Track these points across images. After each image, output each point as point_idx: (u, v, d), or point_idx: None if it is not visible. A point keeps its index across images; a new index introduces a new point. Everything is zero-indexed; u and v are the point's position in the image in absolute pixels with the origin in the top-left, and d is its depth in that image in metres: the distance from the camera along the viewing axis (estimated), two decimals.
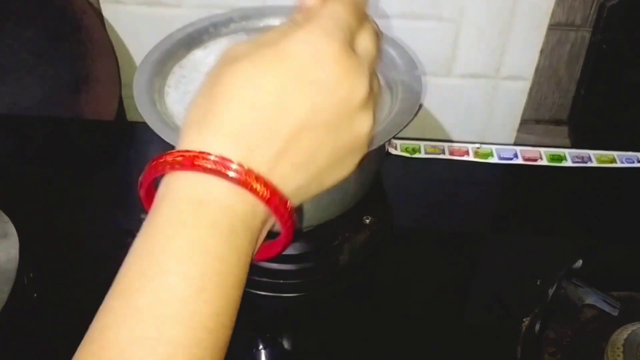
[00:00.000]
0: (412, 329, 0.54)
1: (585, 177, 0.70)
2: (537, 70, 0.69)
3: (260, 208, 0.28)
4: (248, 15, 0.60)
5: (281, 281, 0.57)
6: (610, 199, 0.68)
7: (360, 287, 0.58)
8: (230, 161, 0.27)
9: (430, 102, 0.72)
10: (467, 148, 0.72)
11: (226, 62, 0.28)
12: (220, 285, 0.26)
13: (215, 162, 0.26)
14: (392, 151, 0.71)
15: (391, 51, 0.57)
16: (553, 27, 0.66)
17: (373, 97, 0.30)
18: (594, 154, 0.72)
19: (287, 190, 0.28)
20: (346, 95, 0.28)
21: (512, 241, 0.63)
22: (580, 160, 0.71)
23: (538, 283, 0.54)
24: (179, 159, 0.27)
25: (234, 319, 0.28)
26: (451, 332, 0.53)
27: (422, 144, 0.73)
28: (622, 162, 0.71)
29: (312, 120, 0.28)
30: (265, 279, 0.57)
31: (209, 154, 0.27)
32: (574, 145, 0.74)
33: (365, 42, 0.31)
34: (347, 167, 0.31)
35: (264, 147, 0.27)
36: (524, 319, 0.53)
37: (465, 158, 0.71)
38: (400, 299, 0.56)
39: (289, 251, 0.59)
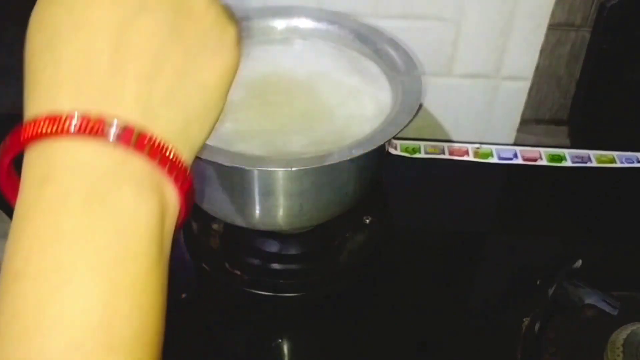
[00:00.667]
0: (412, 329, 0.54)
1: (585, 177, 0.70)
2: (537, 70, 0.69)
3: (115, 154, 0.22)
4: (248, 15, 0.60)
5: (281, 281, 0.57)
6: (610, 199, 0.68)
7: (360, 287, 0.58)
8: (57, 114, 0.21)
9: (430, 102, 0.72)
10: (467, 148, 0.72)
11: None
12: (99, 273, 0.21)
13: (36, 124, 0.21)
14: (392, 151, 0.71)
15: (391, 51, 0.57)
16: (553, 27, 0.66)
17: None
18: (593, 154, 0.72)
19: (152, 113, 0.22)
20: None
21: (512, 241, 0.63)
22: (580, 160, 0.71)
23: (538, 283, 0.54)
24: (11, 138, 0.22)
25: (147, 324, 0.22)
26: (451, 332, 0.53)
27: (422, 144, 0.73)
28: (621, 162, 0.71)
29: (128, 13, 0.23)
30: (265, 279, 0.57)
31: (33, 116, 0.22)
32: (574, 145, 0.74)
33: None
34: (219, 50, 0.25)
35: (83, 76, 0.22)
36: (524, 319, 0.53)
37: (465, 158, 0.71)
38: (400, 299, 0.56)
39: (289, 251, 0.59)
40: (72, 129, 0.21)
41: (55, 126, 0.21)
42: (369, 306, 0.56)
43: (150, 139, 0.22)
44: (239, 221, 0.54)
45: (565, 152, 0.72)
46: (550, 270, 0.53)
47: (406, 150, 0.72)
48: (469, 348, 0.52)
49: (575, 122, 0.74)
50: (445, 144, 0.73)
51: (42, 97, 0.22)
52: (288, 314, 0.56)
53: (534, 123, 0.75)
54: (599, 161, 0.71)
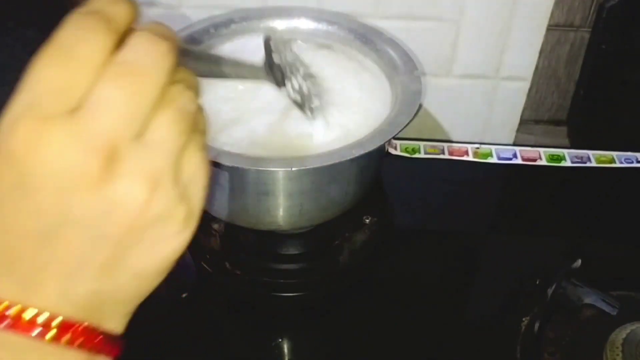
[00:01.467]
0: (412, 328, 0.54)
1: (584, 177, 0.70)
2: (536, 70, 0.69)
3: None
4: (248, 16, 0.61)
5: (281, 281, 0.57)
6: (609, 199, 0.68)
7: (360, 287, 0.58)
8: None
9: (430, 102, 0.72)
10: (467, 148, 0.73)
11: None
12: None
13: None
14: (392, 151, 0.71)
15: (391, 52, 0.57)
16: (552, 27, 0.67)
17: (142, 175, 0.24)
18: (592, 154, 0.72)
19: (76, 306, 0.25)
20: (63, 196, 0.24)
21: (512, 241, 0.63)
22: (579, 160, 0.72)
23: (537, 283, 0.54)
24: None
25: None
26: (451, 332, 0.54)
27: (421, 144, 0.73)
28: (620, 162, 0.71)
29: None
30: (265, 279, 0.58)
31: None
32: (573, 145, 0.74)
33: (157, 129, 0.25)
34: (159, 241, 0.26)
35: (11, 272, 0.25)
36: (524, 319, 0.53)
37: (464, 158, 0.72)
38: (400, 298, 0.57)
39: (289, 251, 0.59)
40: None
41: None
42: (369, 306, 0.56)
43: (70, 326, 0.25)
44: (239, 221, 0.54)
45: (565, 152, 0.72)
46: (549, 270, 0.53)
47: (406, 150, 0.72)
48: (468, 348, 0.52)
49: (574, 122, 0.74)
50: (445, 144, 0.73)
51: None
52: (288, 314, 0.56)
53: (533, 123, 0.76)
54: (598, 161, 0.71)
